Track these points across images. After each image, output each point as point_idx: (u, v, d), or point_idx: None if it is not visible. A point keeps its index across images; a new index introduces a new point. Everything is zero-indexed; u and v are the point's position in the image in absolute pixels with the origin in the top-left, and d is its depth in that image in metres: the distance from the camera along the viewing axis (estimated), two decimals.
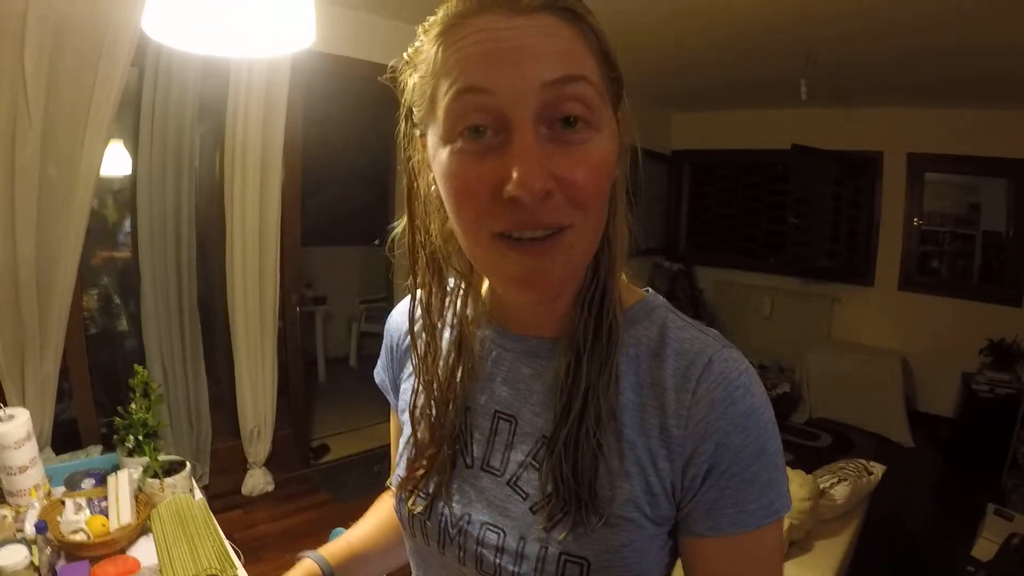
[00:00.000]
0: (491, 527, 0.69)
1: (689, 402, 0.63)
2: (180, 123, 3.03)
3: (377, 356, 0.94)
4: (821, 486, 2.49)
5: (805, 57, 3.87)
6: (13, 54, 2.39)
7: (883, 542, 3.22)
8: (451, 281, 0.76)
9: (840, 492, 2.50)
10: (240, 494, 3.53)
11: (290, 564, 0.92)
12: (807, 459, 3.71)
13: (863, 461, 2.79)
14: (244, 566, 1.58)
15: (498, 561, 0.68)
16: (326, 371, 5.78)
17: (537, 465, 0.69)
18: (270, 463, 3.63)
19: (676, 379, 0.65)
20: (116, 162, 3.41)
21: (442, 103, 0.59)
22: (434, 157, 0.63)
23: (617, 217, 0.67)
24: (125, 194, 3.43)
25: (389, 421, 0.96)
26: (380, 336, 0.94)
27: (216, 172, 3.44)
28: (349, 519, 1.04)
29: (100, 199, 3.72)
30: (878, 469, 2.75)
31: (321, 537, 1.01)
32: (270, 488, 3.61)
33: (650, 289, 0.75)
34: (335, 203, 5.79)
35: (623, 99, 0.65)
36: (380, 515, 1.00)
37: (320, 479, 3.88)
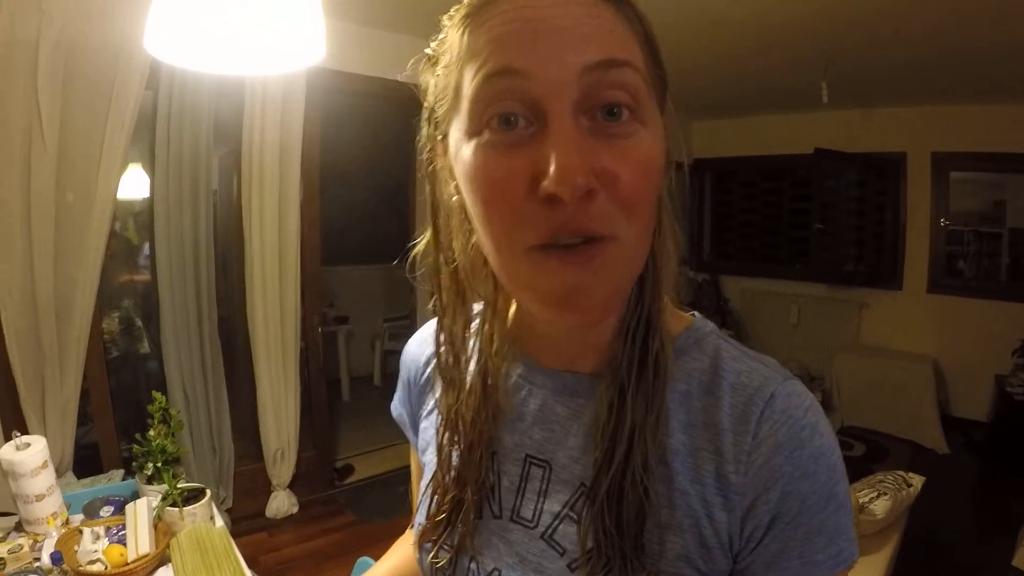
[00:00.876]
0: None
1: (750, 445, 0.56)
2: (196, 145, 3.03)
3: None
4: (860, 501, 2.41)
5: (825, 62, 3.82)
6: (26, 80, 2.39)
7: (921, 554, 3.12)
8: (475, 307, 0.69)
9: (880, 507, 2.41)
10: (264, 516, 3.50)
11: None
12: None
13: (901, 473, 2.70)
14: None
15: None
16: (350, 390, 5.77)
17: (575, 517, 0.61)
18: (294, 485, 3.60)
19: (733, 419, 0.57)
20: (136, 185, 3.42)
21: (468, 91, 0.52)
22: (456, 156, 0.56)
23: (663, 233, 0.59)
24: (145, 217, 3.43)
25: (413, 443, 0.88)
26: None
27: (234, 193, 3.43)
28: (375, 541, 1.00)
29: (122, 222, 3.73)
30: (917, 480, 2.65)
31: (347, 559, 0.97)
32: (294, 510, 3.58)
33: (696, 313, 0.68)
34: (356, 222, 5.80)
35: (668, 101, 0.58)
36: (399, 557, 0.94)
37: (345, 500, 3.84)
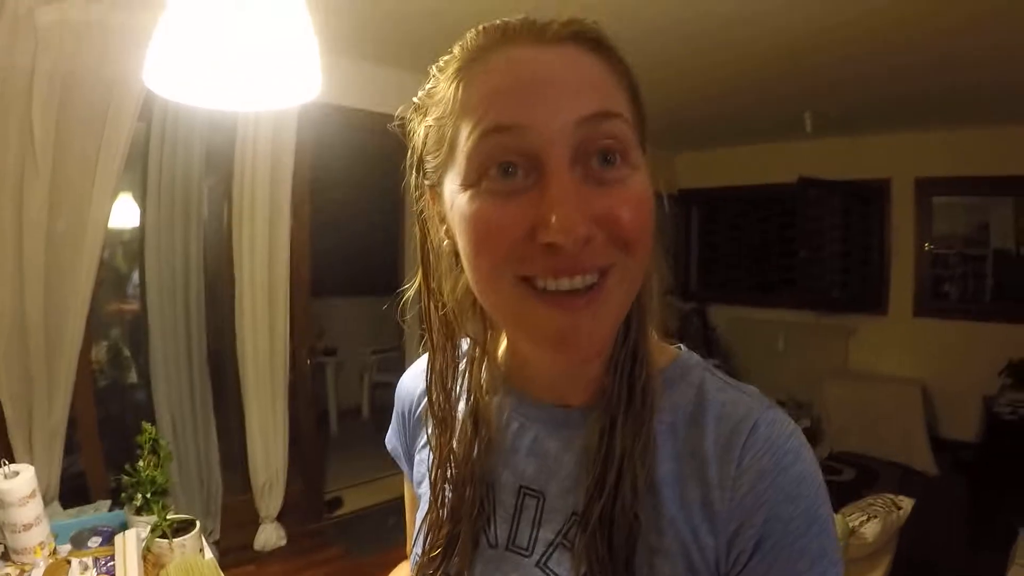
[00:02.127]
0: None
1: (734, 473, 0.58)
2: (187, 176, 3.04)
3: (390, 407, 0.88)
4: (850, 525, 2.41)
5: (808, 95, 3.90)
6: (21, 110, 2.41)
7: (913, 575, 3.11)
8: (464, 344, 0.71)
9: (870, 530, 2.41)
10: (252, 549, 3.45)
11: None
12: (832, 495, 3.43)
13: (891, 495, 2.70)
14: None
15: None
16: (338, 423, 5.72)
17: (569, 544, 0.63)
18: (282, 517, 3.56)
19: (718, 448, 0.59)
20: (126, 214, 3.43)
21: (464, 146, 0.54)
22: (452, 206, 0.57)
23: (648, 269, 0.61)
24: (134, 245, 3.43)
25: (403, 474, 0.89)
26: (392, 386, 0.89)
27: (224, 224, 3.44)
28: (364, 574, 1.00)
29: (110, 250, 3.73)
30: (907, 503, 2.66)
31: None
32: (283, 543, 3.53)
33: (682, 346, 0.70)
34: (346, 253, 5.79)
35: (647, 143, 0.60)
36: None
37: (334, 533, 3.80)
